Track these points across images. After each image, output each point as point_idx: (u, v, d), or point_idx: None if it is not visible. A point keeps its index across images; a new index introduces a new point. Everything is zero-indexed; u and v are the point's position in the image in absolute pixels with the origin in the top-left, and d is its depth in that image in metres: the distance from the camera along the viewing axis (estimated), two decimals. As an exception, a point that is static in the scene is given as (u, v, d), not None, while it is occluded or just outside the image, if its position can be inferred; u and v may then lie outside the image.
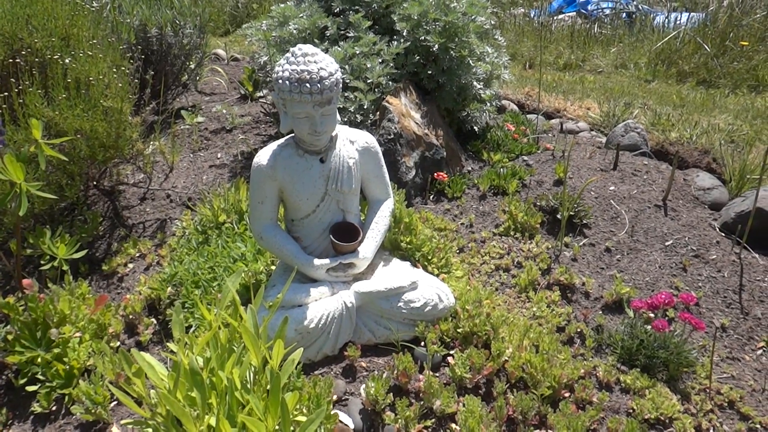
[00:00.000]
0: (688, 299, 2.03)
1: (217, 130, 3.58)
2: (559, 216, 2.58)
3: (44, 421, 1.84)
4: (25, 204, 1.73)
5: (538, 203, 2.70)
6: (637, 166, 3.10)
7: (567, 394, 1.84)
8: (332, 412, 1.67)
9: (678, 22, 6.33)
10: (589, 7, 7.48)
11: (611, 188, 2.87)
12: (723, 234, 2.66)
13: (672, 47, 5.72)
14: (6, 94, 2.34)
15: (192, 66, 3.95)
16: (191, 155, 3.30)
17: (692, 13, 6.60)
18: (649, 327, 2.01)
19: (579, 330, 2.13)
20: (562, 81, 5.31)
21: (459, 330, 1.95)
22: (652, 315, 2.07)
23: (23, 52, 2.51)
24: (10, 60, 2.46)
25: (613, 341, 2.06)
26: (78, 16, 2.73)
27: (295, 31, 2.94)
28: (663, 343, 1.96)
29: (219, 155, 3.29)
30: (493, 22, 3.37)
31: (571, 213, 2.59)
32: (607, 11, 7.38)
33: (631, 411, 1.83)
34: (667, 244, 2.58)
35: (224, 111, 3.72)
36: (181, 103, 3.96)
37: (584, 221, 2.65)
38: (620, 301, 2.27)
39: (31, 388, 1.87)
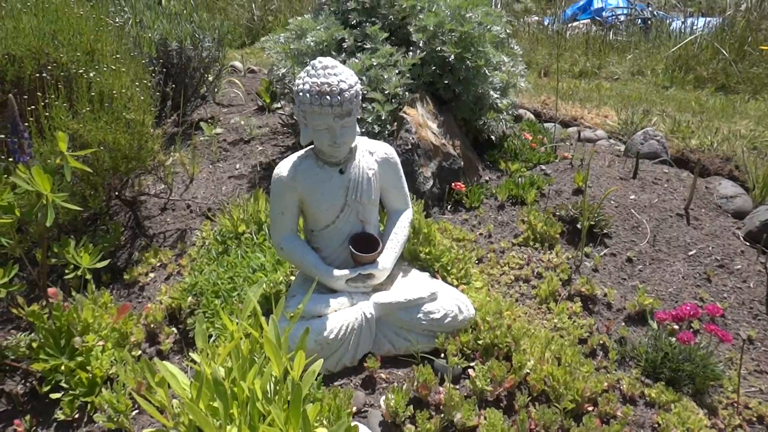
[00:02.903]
0: (713, 311, 2.00)
1: (236, 142, 3.61)
2: (579, 226, 2.56)
3: (67, 429, 1.86)
4: (52, 214, 1.76)
5: (558, 213, 2.68)
6: (657, 174, 3.07)
7: (590, 408, 1.82)
8: (352, 424, 1.67)
9: (694, 28, 6.28)
10: (604, 14, 7.45)
11: (632, 197, 2.85)
12: (747, 243, 2.62)
13: (689, 53, 5.68)
14: (33, 107, 2.38)
15: (210, 78, 3.99)
16: (210, 166, 3.33)
17: (709, 18, 6.55)
18: (673, 339, 1.99)
19: (601, 342, 2.11)
20: (578, 89, 5.28)
21: (479, 342, 1.94)
22: (676, 327, 2.04)
23: (49, 67, 2.55)
24: (37, 74, 2.50)
25: (637, 354, 2.04)
26: (102, 31, 2.77)
27: (312, 44, 2.96)
28: (688, 356, 1.93)
29: (237, 166, 3.31)
30: (508, 31, 3.37)
31: (591, 223, 2.57)
32: (622, 18, 7.35)
33: (656, 426, 1.81)
34: (690, 253, 2.55)
35: (242, 122, 3.75)
36: (200, 114, 4.00)
37: (605, 231, 2.63)
38: (643, 312, 2.24)
39: (54, 396, 1.89)
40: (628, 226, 2.68)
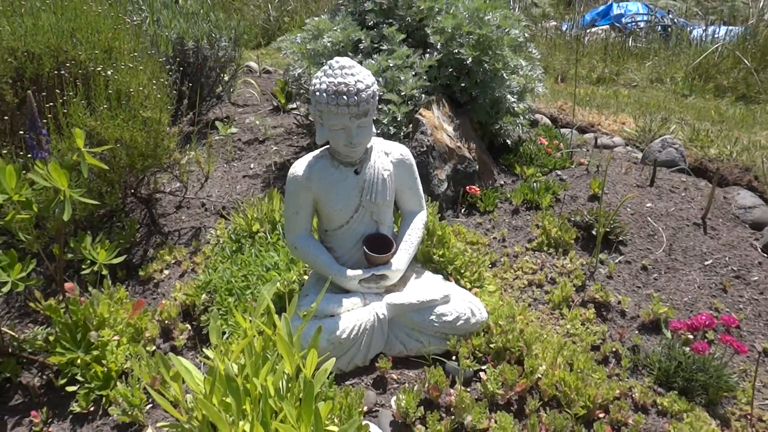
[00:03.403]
0: (729, 321, 1.97)
1: (250, 141, 3.63)
2: (594, 232, 2.55)
3: (82, 421, 1.87)
4: (69, 209, 1.77)
5: (573, 219, 2.67)
6: (674, 182, 3.04)
7: (602, 415, 1.81)
8: (363, 423, 1.67)
9: (716, 36, 6.23)
10: (624, 20, 7.40)
11: (648, 205, 2.82)
12: (765, 255, 2.59)
13: (710, 61, 5.63)
14: (51, 104, 2.41)
15: (226, 78, 4.01)
16: (225, 165, 3.35)
17: (730, 27, 6.49)
18: (687, 349, 1.97)
19: (614, 349, 2.09)
20: (596, 95, 5.26)
21: (491, 345, 1.93)
22: (691, 336, 2.02)
23: (68, 64, 2.58)
24: (55, 72, 2.53)
25: (650, 362, 2.02)
26: (120, 29, 2.80)
27: (329, 44, 2.97)
28: (702, 366, 1.91)
29: (252, 166, 3.33)
30: (526, 35, 3.37)
31: (606, 229, 2.55)
32: (642, 24, 7.30)
33: (668, 433, 1.79)
34: (706, 263, 2.52)
35: (257, 122, 3.77)
36: (215, 114, 4.03)
37: (620, 238, 2.61)
38: (657, 321, 2.22)
39: (70, 389, 1.91)
40: (644, 234, 2.66)
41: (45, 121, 2.39)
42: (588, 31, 7.24)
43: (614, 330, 2.19)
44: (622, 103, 4.91)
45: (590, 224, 2.62)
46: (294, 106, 3.98)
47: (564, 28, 7.40)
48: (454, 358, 1.94)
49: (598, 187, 2.86)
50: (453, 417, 1.74)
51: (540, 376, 1.85)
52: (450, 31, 2.91)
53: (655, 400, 1.89)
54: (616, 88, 5.70)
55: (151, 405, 1.90)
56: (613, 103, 4.88)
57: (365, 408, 1.78)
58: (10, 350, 2.03)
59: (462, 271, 2.23)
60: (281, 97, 4.04)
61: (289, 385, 1.49)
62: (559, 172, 3.14)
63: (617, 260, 2.52)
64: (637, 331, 2.20)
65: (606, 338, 2.15)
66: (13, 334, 2.08)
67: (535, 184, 2.94)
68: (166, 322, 2.20)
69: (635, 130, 3.93)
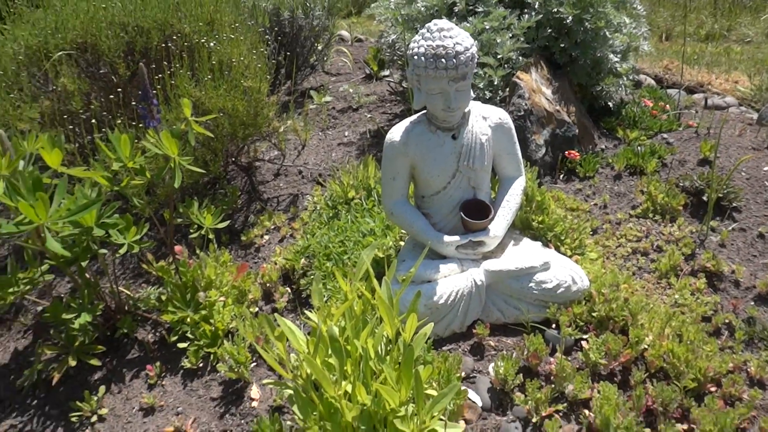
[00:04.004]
0: None
1: (344, 110, 3.66)
2: (704, 198, 2.40)
3: (192, 376, 1.99)
4: (179, 176, 1.86)
5: (681, 184, 2.52)
6: (796, 144, 2.80)
7: (713, 389, 1.72)
8: (461, 388, 1.68)
9: None
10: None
11: (765, 169, 2.62)
12: None
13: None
14: (159, 76, 2.52)
15: (320, 47, 4.06)
16: (320, 133, 3.40)
17: None
18: (811, 321, 1.83)
19: (727, 321, 1.97)
20: (705, 53, 4.90)
21: (594, 314, 1.87)
22: (815, 308, 1.87)
23: (174, 37, 2.69)
24: (163, 45, 2.65)
25: (767, 335, 1.89)
26: (221, 1, 2.88)
27: (423, 9, 2.92)
28: (828, 340, 1.77)
29: (346, 133, 3.36)
30: (631, -9, 3.17)
31: (719, 195, 2.39)
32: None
33: (788, 411, 1.68)
34: (832, 231, 2.32)
35: (351, 90, 3.79)
36: (309, 83, 4.09)
37: (734, 204, 2.44)
38: (775, 291, 2.07)
39: (181, 345, 2.03)
40: (761, 200, 2.47)
41: (154, 92, 2.51)
42: (696, -17, 6.72)
43: (727, 301, 2.07)
44: (735, 60, 4.56)
45: (700, 189, 2.46)
46: (387, 73, 3.97)
47: (669, -18, 6.90)
48: (553, 326, 1.91)
49: (708, 150, 2.68)
50: (553, 386, 1.71)
51: (646, 346, 1.78)
52: (549, -11, 2.78)
53: (773, 376, 1.78)
54: (728, 44, 5.29)
55: (255, 364, 1.99)
56: (725, 60, 4.54)
57: (462, 374, 1.78)
58: (126, 308, 2.19)
59: (562, 238, 2.17)
60: (374, 65, 4.04)
61: (388, 348, 1.52)
62: (665, 135, 2.96)
63: (730, 227, 2.36)
64: (752, 303, 2.07)
65: (718, 309, 2.03)
66: (129, 293, 2.23)
67: (639, 147, 2.79)
68: (268, 285, 2.29)
69: (750, 89, 3.65)
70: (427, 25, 1.81)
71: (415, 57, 1.79)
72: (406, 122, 1.98)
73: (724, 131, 2.94)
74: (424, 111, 1.97)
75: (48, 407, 1.95)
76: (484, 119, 1.97)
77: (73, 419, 1.87)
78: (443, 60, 1.74)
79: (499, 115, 1.99)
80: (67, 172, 1.81)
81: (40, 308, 2.32)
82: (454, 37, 1.76)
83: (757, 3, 6.01)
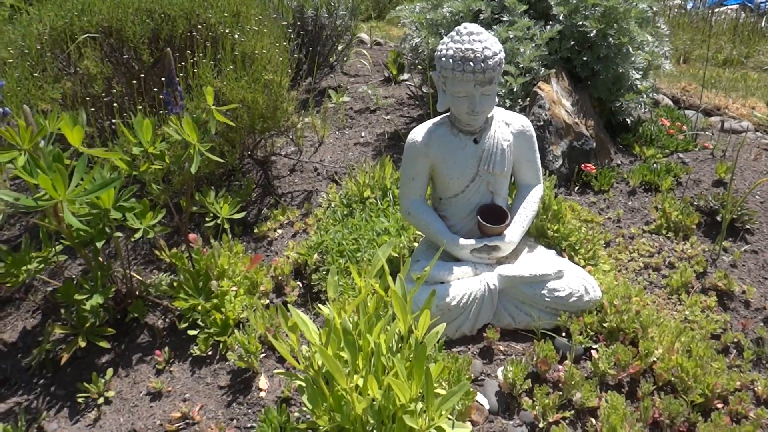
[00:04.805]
0: None
1: (362, 110, 3.68)
2: (718, 218, 2.40)
3: (201, 364, 1.99)
4: (197, 162, 1.87)
5: (696, 203, 2.52)
6: (812, 171, 2.81)
7: (720, 405, 1.72)
8: (470, 389, 1.68)
9: None
10: (756, 0, 6.86)
11: (780, 193, 2.62)
12: None
13: None
14: (182, 64, 2.54)
15: (340, 48, 4.08)
16: (337, 132, 3.42)
17: None
18: (822, 345, 1.83)
19: (736, 340, 1.97)
20: (722, 77, 4.91)
21: (605, 324, 1.87)
22: (826, 332, 1.87)
23: (199, 27, 2.71)
24: (188, 33, 2.67)
25: (777, 356, 1.89)
26: (247, -6, 2.91)
27: (448, 14, 2.95)
28: (839, 364, 1.77)
29: (363, 134, 3.38)
30: (655, 9, 3.18)
31: (733, 216, 2.40)
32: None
33: (795, 433, 1.68)
34: None
35: (369, 92, 3.81)
36: (327, 82, 4.11)
37: (747, 226, 2.44)
38: (786, 314, 2.07)
39: (191, 332, 2.04)
40: (775, 224, 2.48)
41: (177, 79, 2.53)
42: (716, 10, 6.75)
43: (737, 320, 2.07)
44: (752, 87, 4.57)
45: (715, 210, 2.47)
46: (406, 77, 3.98)
47: (689, 7, 6.94)
48: (563, 334, 1.91)
49: (724, 172, 2.68)
50: (561, 393, 1.71)
51: (655, 359, 1.78)
52: (575, 2, 2.80)
53: (780, 397, 1.77)
54: (745, 71, 5.30)
55: (264, 354, 1.99)
56: (742, 86, 4.55)
57: (471, 376, 1.79)
58: (137, 293, 2.19)
59: (576, 248, 2.17)
60: (393, 68, 4.06)
61: (399, 345, 1.52)
62: (681, 155, 2.97)
63: (743, 249, 2.37)
64: (762, 323, 2.07)
65: (727, 328, 2.03)
66: (140, 278, 2.24)
67: (655, 165, 2.80)
68: (279, 278, 2.30)
69: (766, 116, 3.65)
70: (456, 28, 1.83)
71: (443, 59, 1.80)
72: (429, 123, 1.99)
73: (740, 155, 2.94)
74: (447, 113, 1.98)
75: (54, 387, 1.95)
76: (506, 125, 1.98)
77: (80, 400, 1.88)
78: (471, 63, 1.75)
79: (521, 122, 2.00)
80: (87, 151, 1.80)
81: (50, 288, 2.33)
82: (483, 41, 1.78)
83: (775, 32, 6.03)
